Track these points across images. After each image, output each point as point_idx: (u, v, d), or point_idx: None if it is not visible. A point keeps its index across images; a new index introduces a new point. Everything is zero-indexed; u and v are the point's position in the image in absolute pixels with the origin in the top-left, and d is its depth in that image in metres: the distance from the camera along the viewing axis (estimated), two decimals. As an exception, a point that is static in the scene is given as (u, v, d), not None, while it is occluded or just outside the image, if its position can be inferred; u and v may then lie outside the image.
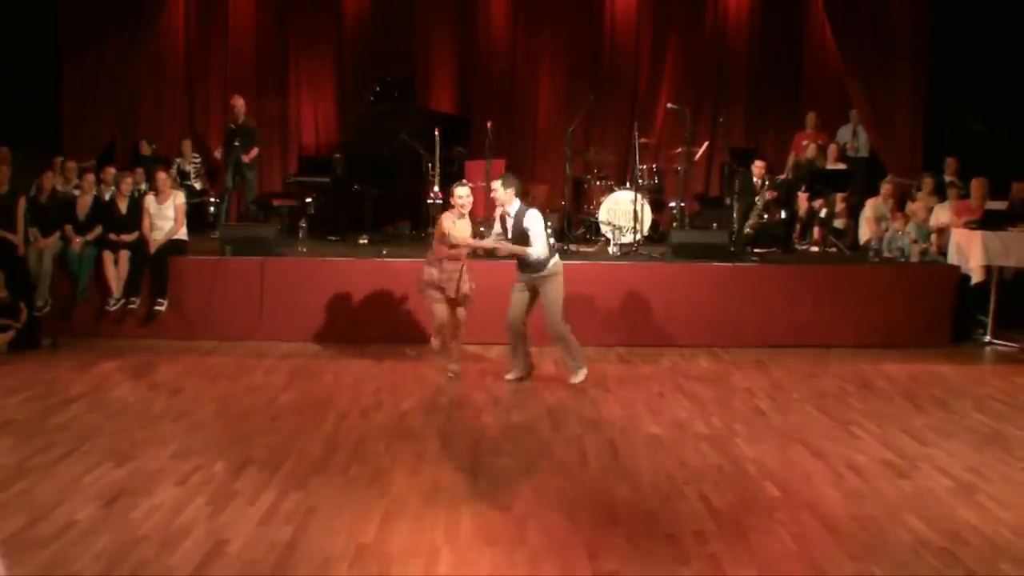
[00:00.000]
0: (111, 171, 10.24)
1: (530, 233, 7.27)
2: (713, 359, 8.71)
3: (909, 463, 5.86)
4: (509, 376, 7.76)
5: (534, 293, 7.50)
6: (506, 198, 7.38)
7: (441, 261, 7.44)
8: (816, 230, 11.22)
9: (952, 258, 9.62)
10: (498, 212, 7.56)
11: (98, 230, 9.20)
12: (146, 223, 9.22)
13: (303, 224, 10.51)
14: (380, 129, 11.25)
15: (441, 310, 7.52)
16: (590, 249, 10.16)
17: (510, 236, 7.41)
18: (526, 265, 7.39)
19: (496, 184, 7.45)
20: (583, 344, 8.72)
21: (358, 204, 10.96)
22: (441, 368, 7.85)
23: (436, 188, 10.32)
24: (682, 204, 10.85)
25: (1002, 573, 4.34)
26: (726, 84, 13.60)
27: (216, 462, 5.62)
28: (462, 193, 7.45)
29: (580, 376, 7.62)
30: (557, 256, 7.49)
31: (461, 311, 7.64)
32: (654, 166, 11.57)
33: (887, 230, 10.31)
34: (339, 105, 13.36)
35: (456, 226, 7.39)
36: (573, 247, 10.17)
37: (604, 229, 10.36)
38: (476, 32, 13.51)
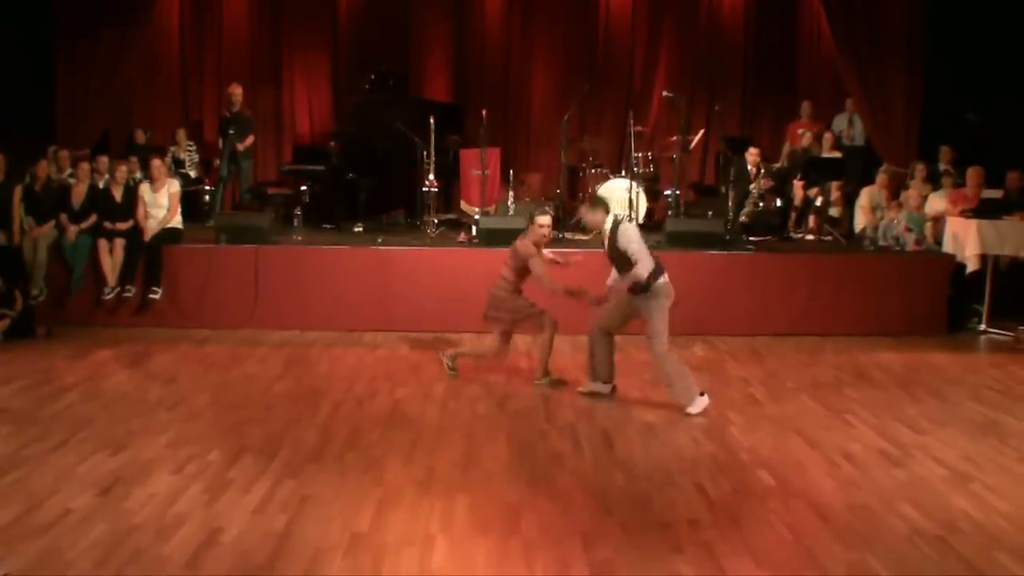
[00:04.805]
0: (104, 160, 10.20)
1: (630, 252, 6.50)
2: (708, 347, 8.72)
3: (904, 452, 5.87)
4: (581, 388, 7.12)
5: (632, 313, 6.81)
6: (596, 222, 6.75)
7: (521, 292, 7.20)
8: (811, 219, 11.22)
9: (948, 247, 9.62)
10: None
11: (93, 219, 9.18)
12: (140, 211, 9.21)
13: (298, 212, 10.50)
14: (375, 118, 11.24)
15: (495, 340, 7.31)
16: (585, 237, 10.14)
17: (610, 258, 6.78)
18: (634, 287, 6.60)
19: (583, 211, 6.97)
20: (579, 333, 8.74)
21: (353, 192, 10.95)
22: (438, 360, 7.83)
23: (431, 176, 10.30)
24: (677, 192, 10.84)
25: (997, 562, 4.35)
26: (721, 72, 13.59)
27: (211, 451, 5.62)
28: (544, 222, 7.01)
29: (696, 406, 6.59)
30: (665, 276, 6.58)
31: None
32: (649, 154, 11.57)
33: (882, 219, 10.31)
34: (334, 93, 13.35)
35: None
36: (568, 235, 10.18)
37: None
38: (471, 20, 13.48)
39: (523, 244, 7.01)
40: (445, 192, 11.49)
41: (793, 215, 11.40)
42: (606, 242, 6.73)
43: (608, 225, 6.68)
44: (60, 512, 4.67)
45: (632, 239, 6.55)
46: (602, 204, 6.80)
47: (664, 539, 4.52)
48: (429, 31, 13.36)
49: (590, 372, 7.12)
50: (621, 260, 6.63)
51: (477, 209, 10.29)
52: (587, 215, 6.85)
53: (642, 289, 6.53)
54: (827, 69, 12.93)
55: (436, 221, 10.33)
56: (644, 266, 6.49)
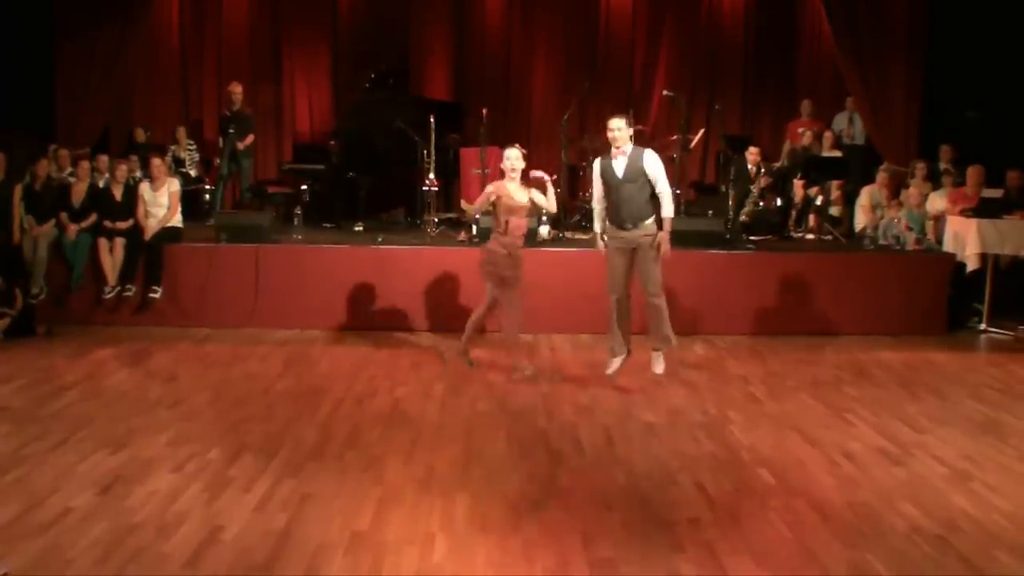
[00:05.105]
0: (104, 158, 10.21)
1: (656, 176, 6.83)
2: (708, 347, 8.72)
3: (904, 450, 5.87)
4: (611, 370, 7.30)
5: (630, 257, 7.01)
6: (627, 138, 6.88)
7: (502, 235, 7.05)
8: (811, 218, 11.22)
9: (948, 246, 9.63)
10: (597, 169, 7.07)
11: (93, 218, 9.18)
12: (140, 210, 9.21)
13: (298, 211, 10.49)
14: (375, 116, 11.22)
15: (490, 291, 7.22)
16: (585, 236, 10.14)
17: (622, 182, 6.88)
18: (628, 220, 6.89)
19: (619, 123, 6.84)
20: (579, 331, 8.77)
21: (353, 191, 10.94)
22: (442, 357, 7.83)
23: (431, 175, 10.29)
24: (678, 191, 10.80)
25: (996, 560, 4.35)
26: (721, 71, 13.56)
27: (211, 449, 5.63)
28: (511, 154, 7.05)
29: (660, 367, 7.26)
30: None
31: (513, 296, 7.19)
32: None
33: (883, 218, 10.31)
34: (334, 92, 13.31)
35: (509, 189, 7.02)
36: (568, 234, 10.18)
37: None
38: (471, 19, 13.46)
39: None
40: (445, 191, 11.48)
41: (793, 214, 11.39)
42: (620, 165, 6.85)
43: (629, 148, 6.87)
44: (60, 511, 4.68)
45: (662, 168, 6.85)
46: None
47: (665, 538, 4.52)
48: (429, 29, 13.33)
49: (612, 350, 7.31)
50: (633, 186, 6.81)
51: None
52: (624, 129, 6.86)
53: (630, 222, 6.85)
54: (827, 68, 12.92)
55: (436, 220, 10.32)
56: (671, 198, 6.91)
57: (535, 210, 7.21)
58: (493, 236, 7.19)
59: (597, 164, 7.12)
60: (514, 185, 7.05)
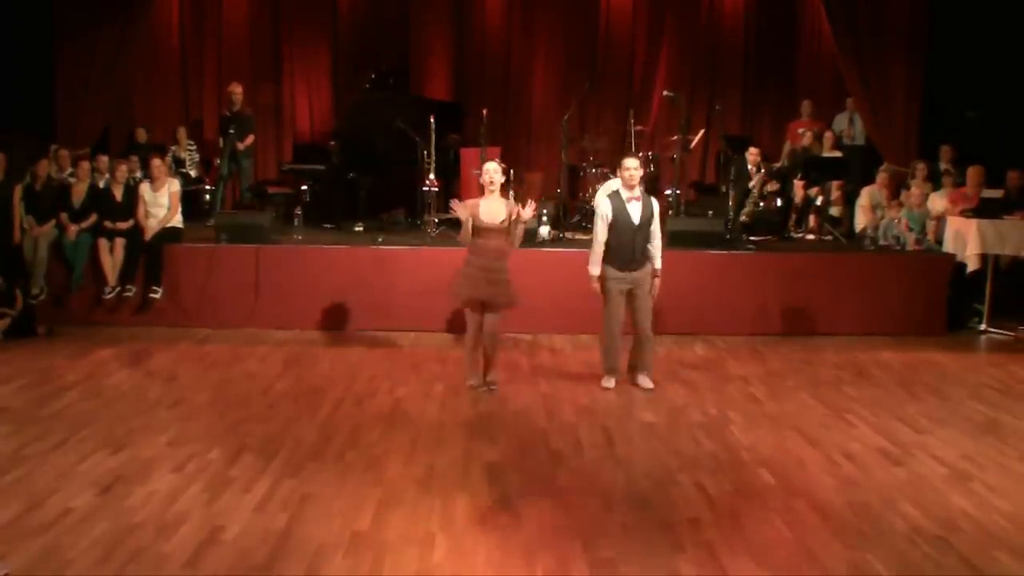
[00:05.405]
0: (104, 159, 10.21)
1: (657, 225, 7.05)
2: (708, 347, 8.71)
3: (904, 451, 5.87)
4: (608, 385, 7.21)
5: (629, 294, 7.05)
6: (640, 178, 7.00)
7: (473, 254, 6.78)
8: (812, 218, 11.22)
9: (948, 246, 9.63)
10: (607, 210, 6.94)
11: (93, 218, 9.18)
12: (141, 211, 9.21)
13: (298, 211, 10.48)
14: (375, 116, 11.22)
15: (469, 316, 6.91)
16: (585, 237, 10.13)
17: (639, 227, 6.93)
18: (636, 262, 6.97)
19: (635, 163, 6.90)
20: (579, 332, 8.77)
21: (353, 191, 10.93)
22: (440, 358, 7.82)
23: (431, 176, 10.28)
24: (678, 192, 10.82)
25: (996, 561, 4.35)
26: (722, 71, 13.57)
27: (211, 449, 5.63)
28: (489, 168, 6.76)
29: (649, 384, 7.18)
30: None
31: (490, 318, 6.83)
32: (649, 154, 11.54)
33: (883, 218, 10.31)
34: (334, 92, 13.31)
35: (482, 208, 6.69)
36: (569, 235, 10.17)
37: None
38: (471, 19, 13.46)
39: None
40: (445, 191, 11.45)
41: (793, 215, 11.39)
42: (635, 210, 6.91)
43: (639, 191, 6.97)
44: (61, 511, 4.68)
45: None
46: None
47: (665, 538, 4.52)
48: (429, 29, 13.33)
49: (611, 370, 7.28)
50: (644, 230, 6.94)
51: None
52: (641, 167, 7.02)
53: (634, 262, 6.96)
54: (828, 68, 12.91)
55: (436, 220, 10.31)
56: (659, 244, 7.11)
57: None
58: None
59: (607, 205, 6.98)
60: (489, 201, 6.74)
